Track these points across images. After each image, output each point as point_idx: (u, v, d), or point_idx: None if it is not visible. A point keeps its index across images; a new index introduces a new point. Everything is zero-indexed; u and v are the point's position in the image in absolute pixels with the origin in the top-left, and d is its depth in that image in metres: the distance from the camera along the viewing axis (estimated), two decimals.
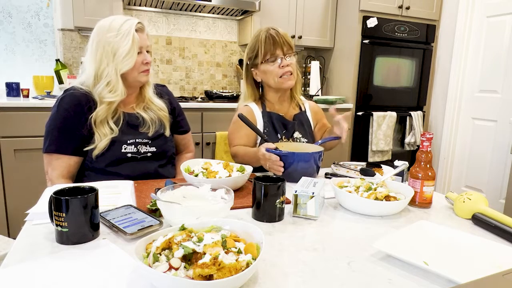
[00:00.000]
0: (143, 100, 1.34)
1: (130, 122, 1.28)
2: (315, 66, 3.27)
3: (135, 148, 1.27)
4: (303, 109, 1.58)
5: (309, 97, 3.21)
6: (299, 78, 1.53)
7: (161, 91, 1.43)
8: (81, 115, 1.20)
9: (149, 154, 1.30)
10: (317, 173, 1.26)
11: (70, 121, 1.20)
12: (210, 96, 2.93)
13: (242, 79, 1.57)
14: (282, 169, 1.19)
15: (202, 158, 1.51)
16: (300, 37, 3.14)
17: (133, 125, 1.29)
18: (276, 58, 1.41)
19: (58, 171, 1.21)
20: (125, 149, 1.25)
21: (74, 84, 1.26)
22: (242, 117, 1.30)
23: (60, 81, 2.69)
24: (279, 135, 1.47)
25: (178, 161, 1.48)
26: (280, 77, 1.42)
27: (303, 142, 1.49)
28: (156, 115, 1.34)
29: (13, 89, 2.48)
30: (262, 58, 1.42)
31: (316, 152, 1.21)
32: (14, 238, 0.91)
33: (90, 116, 1.20)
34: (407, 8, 3.11)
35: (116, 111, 1.26)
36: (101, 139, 1.20)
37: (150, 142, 1.30)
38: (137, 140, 1.27)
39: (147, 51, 1.28)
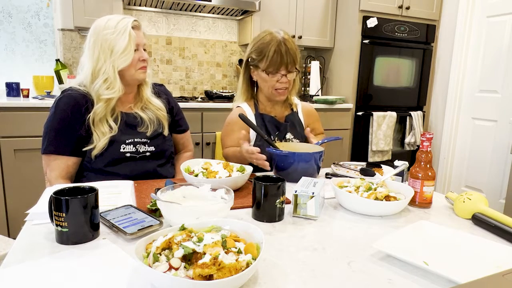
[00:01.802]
0: (141, 100, 1.35)
1: (128, 122, 1.28)
2: (315, 66, 3.27)
3: (134, 148, 1.27)
4: (294, 110, 1.58)
5: (309, 97, 3.21)
6: (296, 83, 1.53)
7: (159, 90, 1.44)
8: (79, 115, 1.20)
9: (148, 154, 1.30)
10: (318, 173, 1.26)
11: (68, 121, 1.20)
12: (210, 96, 2.93)
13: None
14: (267, 163, 1.21)
15: (202, 158, 1.51)
16: (300, 37, 3.14)
17: (132, 124, 1.29)
18: (277, 73, 1.42)
19: (57, 172, 1.21)
20: (123, 148, 1.25)
21: (72, 84, 1.27)
22: (242, 117, 1.30)
23: (60, 81, 2.69)
24: (272, 137, 1.48)
25: (177, 160, 1.49)
26: (275, 89, 1.44)
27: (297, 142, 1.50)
28: (155, 115, 1.34)
29: (13, 89, 2.48)
30: (264, 67, 1.42)
31: (316, 152, 1.21)
32: (14, 238, 0.91)
33: (88, 116, 1.20)
34: (407, 8, 3.10)
35: (114, 110, 1.26)
36: (100, 139, 1.20)
37: (148, 141, 1.30)
38: (135, 140, 1.27)
39: (144, 49, 1.29)
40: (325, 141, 1.39)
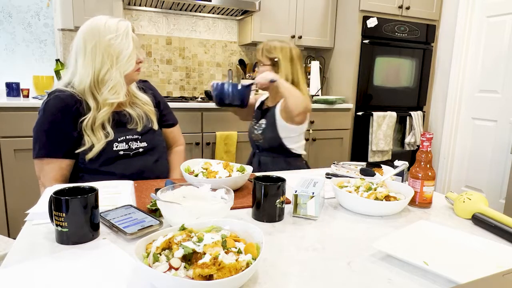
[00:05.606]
0: (128, 94, 1.35)
1: (119, 120, 1.29)
2: (315, 66, 3.26)
3: (126, 145, 1.27)
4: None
5: (309, 97, 3.21)
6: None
7: (144, 86, 1.44)
8: (69, 116, 1.19)
9: (141, 150, 1.31)
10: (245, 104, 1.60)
11: (58, 124, 1.19)
12: (210, 96, 2.93)
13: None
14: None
15: (202, 158, 1.51)
16: (300, 37, 3.14)
17: (122, 122, 1.30)
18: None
19: (51, 175, 1.20)
20: (116, 147, 1.25)
21: (58, 86, 1.24)
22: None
23: None
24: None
25: (170, 155, 1.50)
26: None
27: None
28: (142, 110, 1.35)
29: (13, 89, 2.48)
30: None
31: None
32: (14, 238, 0.91)
33: (86, 118, 1.19)
34: (407, 8, 3.10)
35: None
36: (95, 144, 1.19)
37: (140, 137, 1.31)
38: (127, 137, 1.28)
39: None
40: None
